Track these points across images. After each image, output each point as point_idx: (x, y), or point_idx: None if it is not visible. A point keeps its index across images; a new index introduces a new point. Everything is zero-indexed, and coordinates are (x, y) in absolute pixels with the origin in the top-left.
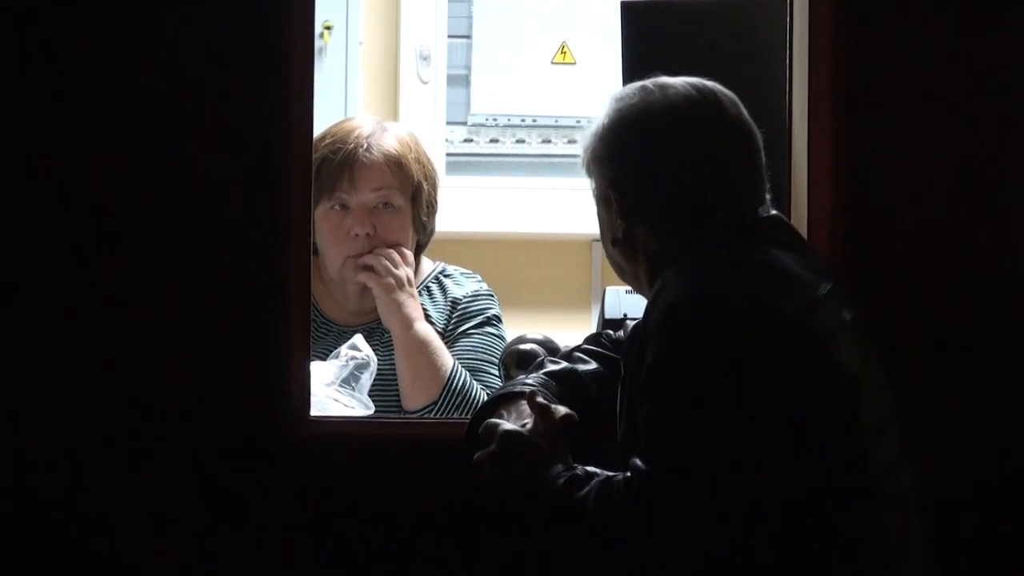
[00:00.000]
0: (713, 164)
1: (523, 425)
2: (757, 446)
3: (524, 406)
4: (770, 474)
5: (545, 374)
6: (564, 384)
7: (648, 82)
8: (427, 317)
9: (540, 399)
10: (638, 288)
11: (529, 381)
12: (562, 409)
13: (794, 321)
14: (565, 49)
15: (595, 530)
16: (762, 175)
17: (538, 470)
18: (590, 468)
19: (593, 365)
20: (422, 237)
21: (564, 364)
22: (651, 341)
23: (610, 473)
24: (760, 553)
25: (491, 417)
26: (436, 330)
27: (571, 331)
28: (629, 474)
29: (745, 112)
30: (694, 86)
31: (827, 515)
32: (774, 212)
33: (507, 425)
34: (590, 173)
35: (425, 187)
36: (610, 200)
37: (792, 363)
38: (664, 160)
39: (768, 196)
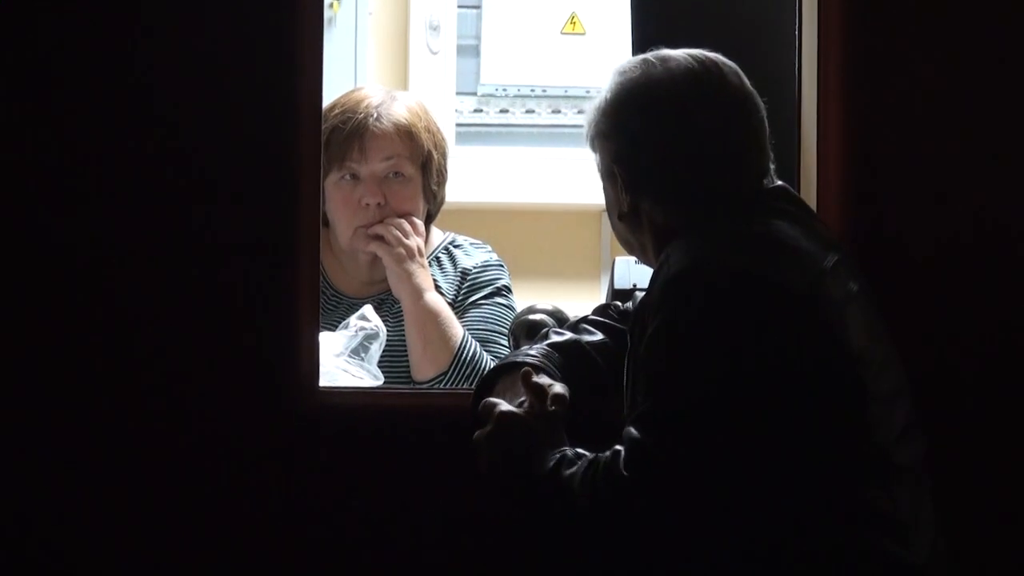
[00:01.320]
0: (716, 135)
1: (520, 403)
2: (753, 419)
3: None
4: (767, 447)
5: (549, 345)
6: (568, 356)
7: (650, 55)
8: (437, 287)
9: (534, 378)
10: (646, 261)
11: (532, 352)
12: (557, 387)
13: (797, 296)
14: (575, 19)
15: (584, 506)
16: (766, 146)
17: (531, 453)
18: (579, 450)
19: (599, 336)
20: (432, 207)
21: (569, 335)
22: (652, 313)
23: (599, 453)
24: (759, 525)
25: (492, 388)
26: (446, 300)
27: (581, 301)
28: (619, 447)
29: (748, 82)
30: (696, 58)
31: (832, 486)
32: (779, 183)
33: (504, 406)
34: (594, 148)
35: (435, 156)
36: (615, 174)
37: (793, 338)
38: (667, 132)
39: (772, 167)
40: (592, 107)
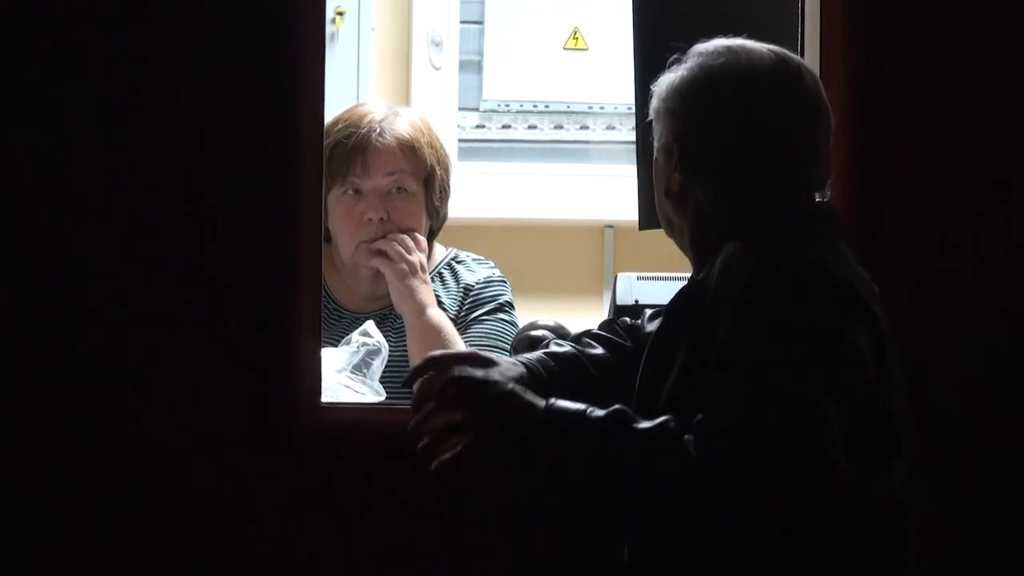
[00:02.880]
0: (785, 136)
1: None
2: (842, 423)
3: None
4: (848, 456)
5: (546, 353)
6: (564, 366)
7: (735, 43)
8: (439, 303)
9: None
10: (681, 243)
11: (530, 357)
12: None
13: (873, 307)
14: (577, 35)
15: (674, 470)
16: (828, 158)
17: (543, 410)
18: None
19: (600, 351)
20: (435, 222)
21: (569, 347)
22: (731, 305)
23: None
24: (806, 534)
25: None
26: (448, 316)
27: (583, 317)
28: (710, 431)
29: (823, 90)
30: (779, 55)
31: (873, 511)
32: (828, 201)
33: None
34: (658, 121)
35: (438, 172)
36: (672, 152)
37: (879, 346)
38: (736, 123)
39: (830, 180)
40: (666, 82)
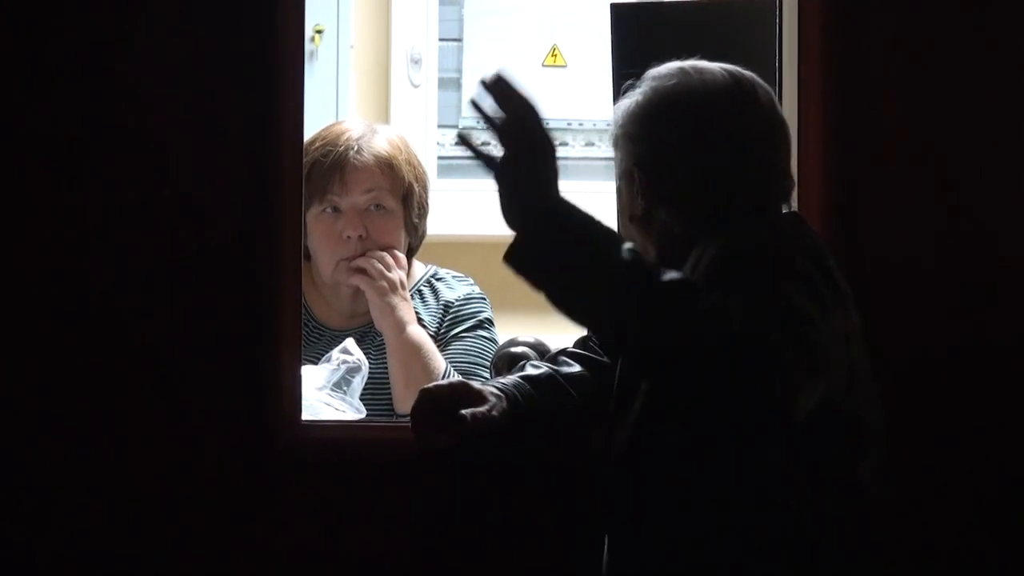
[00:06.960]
0: (743, 154)
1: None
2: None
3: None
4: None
5: (521, 377)
6: (540, 388)
7: (687, 65)
8: (419, 320)
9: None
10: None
11: (505, 382)
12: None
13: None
14: (556, 52)
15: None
16: (789, 170)
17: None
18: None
19: (576, 368)
20: (413, 239)
21: (544, 369)
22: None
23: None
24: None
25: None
26: (428, 333)
27: (563, 334)
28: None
29: (779, 105)
30: (732, 73)
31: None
32: (795, 210)
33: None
34: (617, 147)
35: (416, 188)
36: (633, 177)
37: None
38: (694, 144)
39: (793, 192)
40: (622, 108)
